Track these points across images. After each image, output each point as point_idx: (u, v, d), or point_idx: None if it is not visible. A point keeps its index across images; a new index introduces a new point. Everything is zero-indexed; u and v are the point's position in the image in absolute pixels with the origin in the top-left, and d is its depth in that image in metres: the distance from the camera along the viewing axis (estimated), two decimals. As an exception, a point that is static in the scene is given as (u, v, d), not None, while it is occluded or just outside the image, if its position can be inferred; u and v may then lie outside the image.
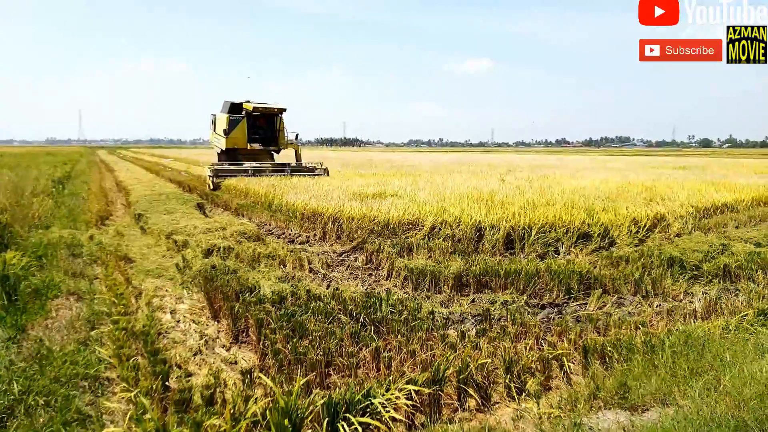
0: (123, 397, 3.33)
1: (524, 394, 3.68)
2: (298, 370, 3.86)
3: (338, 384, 3.63)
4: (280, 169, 19.19)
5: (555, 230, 8.76)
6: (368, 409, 2.99)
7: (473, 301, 6.24)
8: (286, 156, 22.35)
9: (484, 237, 8.63)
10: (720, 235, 9.07)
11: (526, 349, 4.28)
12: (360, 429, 2.83)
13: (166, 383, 3.58)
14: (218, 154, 21.56)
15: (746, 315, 4.83)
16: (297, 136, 21.83)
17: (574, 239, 8.71)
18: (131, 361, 3.68)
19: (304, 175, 18.16)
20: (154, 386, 3.30)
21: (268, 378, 3.25)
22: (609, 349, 4.03)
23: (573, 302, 6.20)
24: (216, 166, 18.76)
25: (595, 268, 7.18)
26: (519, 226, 8.74)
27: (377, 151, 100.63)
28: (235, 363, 4.40)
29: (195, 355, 4.52)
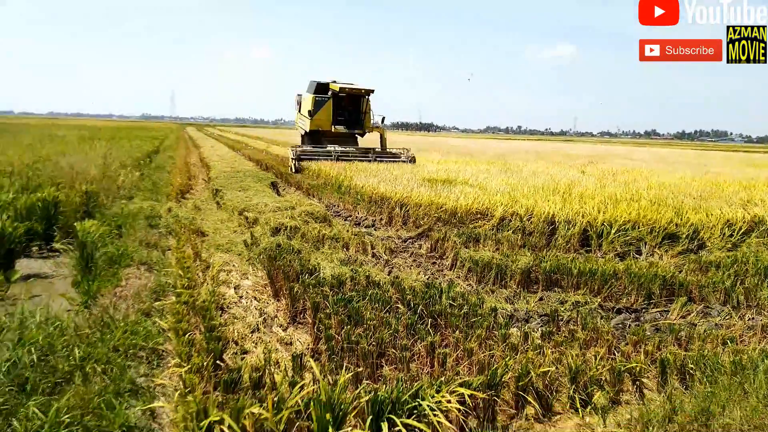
0: (175, 372, 3.36)
1: (590, 407, 3.37)
2: (349, 359, 3.77)
3: (389, 377, 3.48)
4: (365, 154, 18.20)
5: (638, 229, 8.14)
6: (416, 411, 2.82)
7: (541, 299, 5.89)
8: (370, 140, 21.33)
9: (557, 232, 8.17)
10: (832, 245, 8.06)
11: (595, 358, 3.93)
12: (404, 431, 2.67)
13: (219, 361, 3.59)
14: (302, 135, 21.05)
15: None
16: (383, 119, 20.77)
17: (659, 240, 8.06)
18: (187, 336, 3.73)
19: (390, 161, 17.45)
20: (205, 363, 3.30)
21: (317, 364, 3.16)
22: (691, 366, 3.62)
23: (653, 309, 5.70)
24: (299, 149, 18.22)
25: (680, 272, 6.59)
26: (597, 222, 8.20)
27: (453, 137, 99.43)
28: (290, 344, 4.37)
29: (253, 332, 4.54)
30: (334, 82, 19.17)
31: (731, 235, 8.56)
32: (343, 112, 19.62)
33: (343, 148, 18.16)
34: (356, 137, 20.48)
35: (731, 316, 5.42)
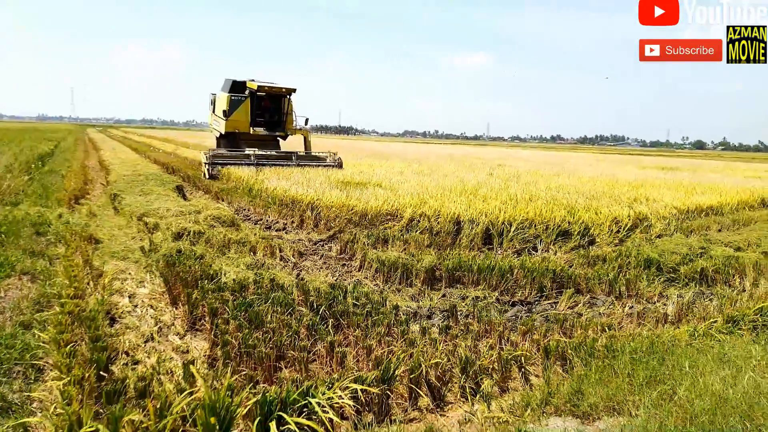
0: (54, 386, 3.15)
1: (479, 395, 3.54)
2: (246, 363, 3.71)
3: (286, 379, 3.46)
4: (286, 158, 16.93)
5: (534, 227, 8.65)
6: (306, 409, 2.83)
7: (444, 295, 6.10)
8: (292, 144, 19.95)
9: (462, 231, 8.49)
10: (701, 238, 8.98)
11: (486, 348, 4.13)
12: (296, 429, 2.68)
13: (104, 372, 3.41)
14: (217, 138, 19.45)
15: (715, 321, 4.72)
16: (307, 121, 19.44)
17: (554, 237, 8.60)
18: (69, 347, 3.50)
19: (314, 166, 16.30)
20: (87, 375, 3.12)
21: (199, 371, 3.09)
22: (570, 351, 3.90)
23: (545, 301, 6.08)
24: (213, 152, 16.66)
25: (570, 266, 7.07)
26: (498, 221, 8.62)
27: (371, 140, 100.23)
28: (187, 352, 4.22)
29: (146, 342, 4.35)
30: (252, 80, 17.94)
31: (618, 232, 9.30)
32: (262, 113, 18.40)
33: (263, 152, 17.00)
34: (278, 140, 19.30)
35: (614, 305, 5.90)
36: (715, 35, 9.18)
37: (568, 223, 8.89)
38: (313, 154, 18.43)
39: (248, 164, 15.64)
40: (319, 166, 16.58)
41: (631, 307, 5.80)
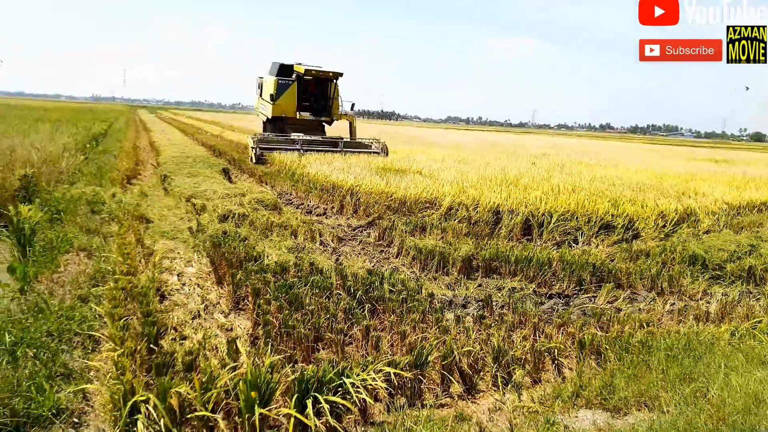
0: (109, 357, 3.39)
1: (510, 385, 3.60)
2: (286, 343, 3.88)
3: (323, 359, 3.61)
4: (332, 144, 16.69)
5: (576, 219, 8.53)
6: (340, 389, 2.96)
7: (480, 285, 6.14)
8: (337, 129, 19.74)
9: (501, 221, 8.46)
10: (751, 235, 8.64)
11: (520, 339, 4.17)
12: (327, 408, 2.81)
13: (154, 345, 3.63)
14: (263, 122, 19.19)
15: (760, 321, 4.59)
16: (353, 106, 18.95)
17: (596, 229, 8.47)
18: (123, 321, 3.75)
19: (360, 153, 16.00)
20: (138, 347, 3.35)
21: (244, 348, 3.26)
22: (605, 346, 3.90)
23: (583, 294, 6.03)
24: (260, 136, 16.52)
25: (612, 261, 6.97)
26: (539, 212, 8.54)
27: (414, 126, 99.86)
28: (231, 330, 4.44)
29: (193, 318, 4.58)
30: (299, 64, 17.62)
31: (664, 226, 9.06)
32: (309, 98, 18.06)
33: (308, 137, 16.78)
34: (323, 125, 19.05)
35: (654, 302, 5.81)
36: (715, 35, 9.02)
37: (612, 215, 8.72)
38: (358, 140, 18.18)
39: (294, 149, 15.54)
40: (364, 152, 16.32)
41: (672, 304, 5.70)
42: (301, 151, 15.40)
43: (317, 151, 15.51)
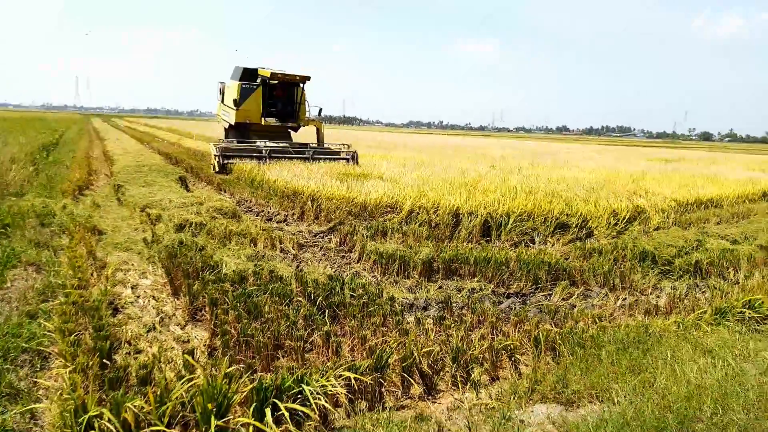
0: (60, 374, 3.29)
1: (469, 383, 3.66)
2: (245, 352, 3.84)
3: (283, 367, 3.59)
4: (300, 151, 15.81)
5: (533, 219, 8.73)
6: (300, 396, 2.96)
7: (440, 287, 6.21)
8: (303, 135, 19.02)
9: (461, 223, 8.58)
10: (698, 231, 9.06)
11: (478, 338, 4.25)
12: (288, 415, 2.80)
13: (107, 360, 3.54)
14: (225, 129, 18.48)
15: (704, 313, 4.82)
16: (320, 111, 18.36)
17: (552, 229, 8.69)
18: (73, 336, 3.64)
19: (329, 160, 15.50)
20: (90, 363, 3.25)
21: (197, 359, 3.22)
22: (559, 341, 4.01)
23: (539, 293, 6.19)
24: (223, 144, 15.64)
25: (567, 259, 7.17)
26: (497, 214, 8.71)
27: (376, 131, 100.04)
28: (187, 341, 4.35)
29: (148, 331, 4.48)
30: (263, 68, 16.83)
31: (616, 224, 9.38)
32: (274, 103, 17.30)
33: (274, 144, 15.93)
34: (289, 131, 18.29)
35: (607, 297, 6.01)
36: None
37: (567, 215, 8.97)
38: (326, 146, 17.59)
39: (260, 157, 14.81)
40: (333, 159, 15.83)
41: (624, 299, 5.90)
42: (268, 159, 14.76)
43: (285, 158, 14.91)
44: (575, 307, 5.58)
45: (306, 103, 17.74)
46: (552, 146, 49.16)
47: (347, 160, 16.11)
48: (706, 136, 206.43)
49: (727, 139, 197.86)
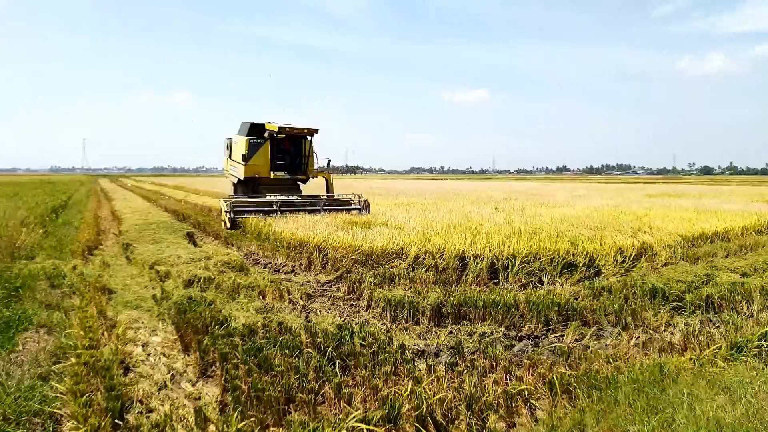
0: (71, 436, 3.27)
1: (485, 431, 3.60)
2: (256, 407, 3.80)
3: (295, 422, 3.55)
4: (311, 203, 15.85)
5: (539, 260, 8.73)
6: (313, 450, 2.92)
7: (451, 332, 6.16)
8: (313, 186, 19.18)
9: (467, 267, 8.58)
10: (706, 265, 9.00)
11: (492, 383, 4.20)
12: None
13: (119, 420, 3.52)
14: (234, 184, 18.58)
15: (719, 348, 4.75)
16: (329, 162, 18.32)
17: (559, 269, 8.66)
18: (85, 397, 3.63)
19: (341, 210, 15.40)
20: (102, 423, 3.24)
21: (221, 416, 3.19)
22: (573, 384, 3.96)
23: (551, 334, 6.12)
24: (234, 199, 15.50)
25: (576, 299, 7.12)
26: (503, 256, 8.71)
27: (378, 179, 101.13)
28: (199, 398, 4.32)
29: (160, 390, 4.45)
30: (269, 122, 17.15)
31: (623, 261, 9.35)
32: (283, 156, 17.37)
33: (285, 198, 15.96)
34: (298, 184, 18.32)
35: (620, 336, 5.94)
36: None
37: (573, 254, 8.97)
38: (336, 197, 17.55)
39: (272, 211, 14.78)
40: (345, 210, 15.74)
41: (637, 338, 5.83)
42: (279, 213, 14.69)
43: (296, 211, 14.80)
44: (588, 347, 5.52)
45: (314, 155, 17.83)
46: (553, 186, 49.48)
47: (359, 210, 15.96)
48: (706, 170, 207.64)
49: (728, 172, 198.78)
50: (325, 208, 15.58)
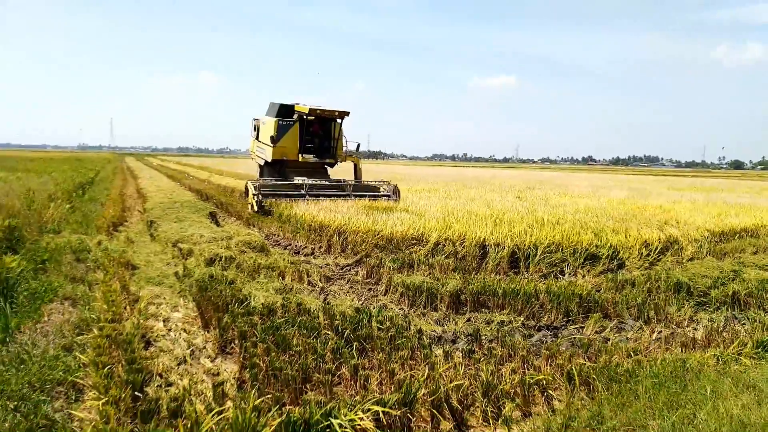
0: (93, 406, 3.34)
1: (500, 420, 3.57)
2: (273, 385, 3.83)
3: (312, 401, 3.57)
4: (339, 188, 15.53)
5: (562, 250, 8.61)
6: (328, 430, 2.94)
7: (469, 320, 6.14)
8: (340, 170, 18.88)
9: (488, 255, 8.51)
10: (734, 261, 8.78)
11: (509, 372, 4.17)
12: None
13: (139, 392, 3.58)
14: (260, 166, 18.13)
15: (744, 346, 4.63)
16: (358, 146, 17.80)
17: (581, 260, 8.55)
18: (107, 369, 3.70)
19: (368, 197, 14.75)
20: (123, 395, 3.30)
21: (239, 392, 3.23)
22: (593, 376, 3.91)
23: (571, 325, 6.05)
24: (261, 182, 14.94)
25: (598, 291, 7.02)
26: (524, 245, 8.62)
27: (400, 165, 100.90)
28: (217, 374, 4.38)
29: (179, 364, 4.52)
30: (298, 104, 16.57)
31: (648, 255, 9.18)
32: (312, 139, 16.84)
33: (312, 181, 15.53)
34: (326, 167, 17.75)
35: (642, 330, 5.84)
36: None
37: (596, 246, 8.82)
38: (364, 182, 17.02)
39: (300, 196, 14.35)
40: (374, 197, 15.17)
41: (659, 332, 5.72)
42: (307, 197, 14.30)
43: (324, 196, 14.50)
44: (609, 340, 5.44)
45: (344, 138, 17.35)
46: (579, 176, 48.72)
47: (388, 197, 15.47)
48: (737, 165, 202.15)
49: (759, 167, 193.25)
50: (354, 193, 15.18)
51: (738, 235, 11.50)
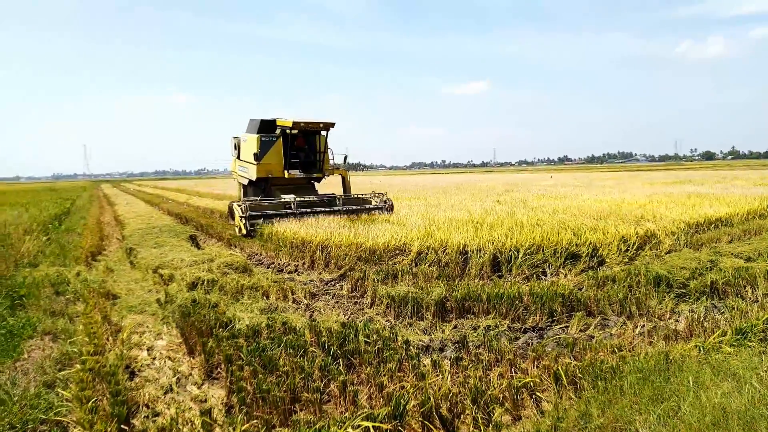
0: (78, 442, 3.28)
1: (491, 426, 3.59)
2: (262, 408, 3.80)
3: (301, 421, 3.55)
4: (329, 203, 14.73)
5: (542, 251, 8.70)
6: (319, 449, 2.92)
7: (455, 327, 6.16)
8: (328, 185, 18.15)
9: (470, 260, 8.57)
10: (710, 251, 8.97)
11: (497, 377, 4.19)
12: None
13: (126, 425, 3.52)
14: (243, 186, 17.17)
15: (725, 334, 4.74)
16: (345, 158, 17.18)
17: (562, 260, 8.64)
18: (91, 403, 3.63)
19: (360, 211, 14.30)
20: (108, 429, 3.24)
21: (226, 418, 3.20)
22: (579, 375, 3.95)
23: (556, 325, 6.11)
24: (249, 203, 13.99)
25: (580, 289, 7.11)
26: (505, 248, 8.69)
27: (380, 175, 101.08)
28: (205, 401, 4.33)
29: (165, 393, 4.46)
30: (280, 118, 15.71)
31: (627, 250, 9.32)
32: (297, 153, 16.05)
33: (301, 199, 14.66)
34: (313, 183, 17.09)
35: (625, 325, 5.92)
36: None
37: (576, 245, 8.94)
38: (354, 196, 16.27)
39: (290, 214, 13.61)
40: (367, 211, 14.72)
41: (642, 326, 5.81)
42: (297, 215, 13.61)
43: (314, 213, 13.81)
44: (593, 337, 5.51)
45: (329, 151, 16.50)
46: (555, 177, 49.34)
47: (380, 209, 14.90)
48: (708, 156, 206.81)
49: (730, 156, 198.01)
50: (345, 207, 14.59)
51: (713, 225, 11.76)
